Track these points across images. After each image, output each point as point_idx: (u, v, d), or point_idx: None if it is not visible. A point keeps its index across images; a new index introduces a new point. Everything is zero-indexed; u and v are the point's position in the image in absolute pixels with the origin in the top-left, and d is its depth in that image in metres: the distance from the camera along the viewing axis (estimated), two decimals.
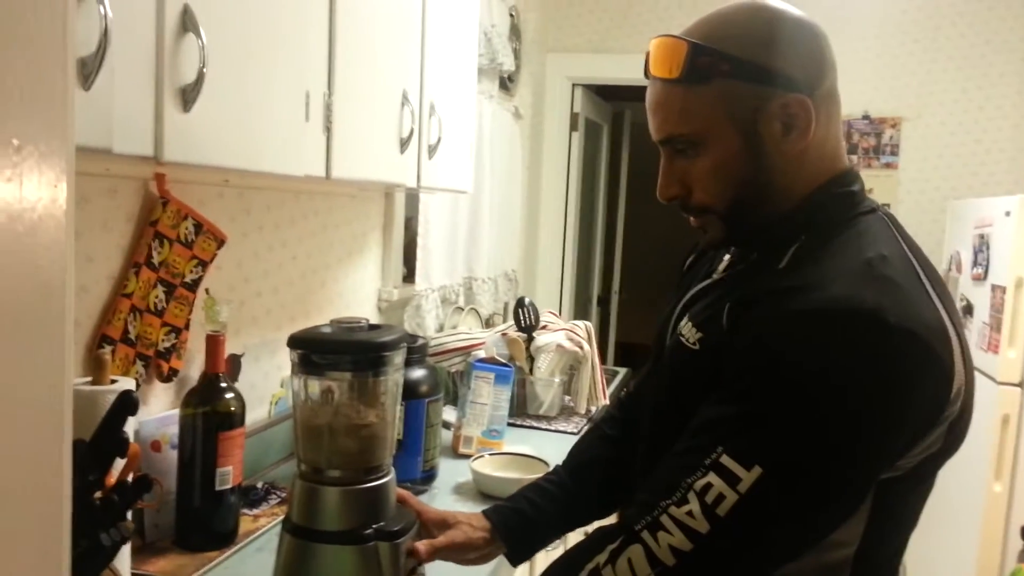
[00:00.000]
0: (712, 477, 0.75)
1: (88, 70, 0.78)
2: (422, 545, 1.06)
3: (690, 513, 0.75)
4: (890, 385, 0.73)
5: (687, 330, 0.90)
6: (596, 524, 1.21)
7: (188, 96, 0.95)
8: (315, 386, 1.08)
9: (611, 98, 4.37)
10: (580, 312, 4.16)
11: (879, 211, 0.88)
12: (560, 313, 3.66)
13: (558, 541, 1.21)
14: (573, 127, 3.80)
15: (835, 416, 0.74)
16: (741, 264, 0.93)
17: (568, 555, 0.86)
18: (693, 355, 0.87)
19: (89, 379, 1.13)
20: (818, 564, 0.82)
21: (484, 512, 1.14)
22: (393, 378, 1.11)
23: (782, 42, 0.84)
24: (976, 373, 2.49)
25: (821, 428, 0.74)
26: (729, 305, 0.84)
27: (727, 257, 0.97)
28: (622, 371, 3.03)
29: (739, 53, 0.83)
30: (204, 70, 0.96)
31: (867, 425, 0.74)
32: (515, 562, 1.17)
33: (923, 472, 0.82)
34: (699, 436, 0.79)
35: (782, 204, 0.87)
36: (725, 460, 0.75)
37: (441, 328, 2.51)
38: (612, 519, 0.93)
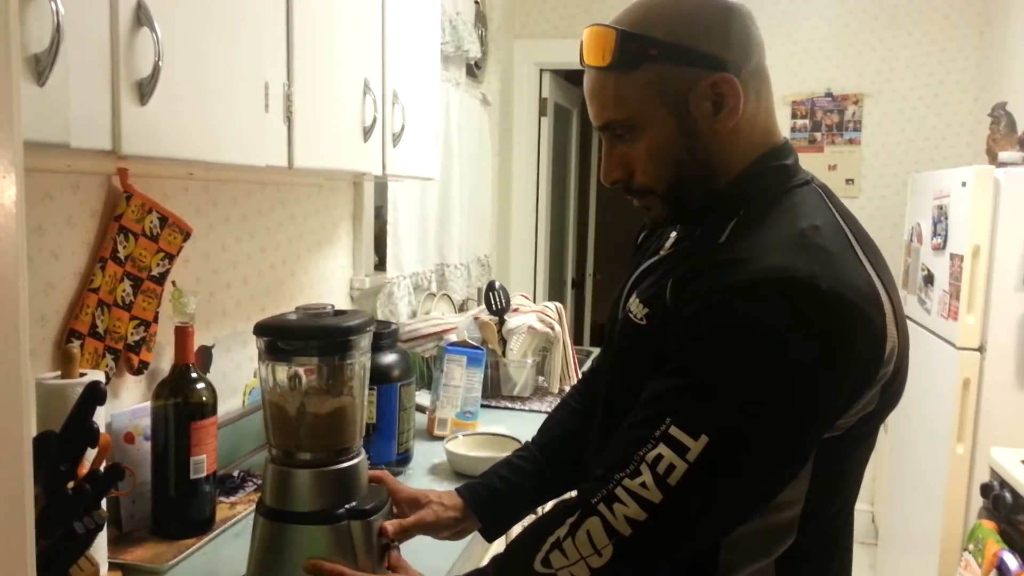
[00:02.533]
0: (662, 448, 0.78)
1: (42, 66, 0.79)
2: (390, 525, 1.09)
3: (643, 484, 0.78)
4: (825, 349, 0.77)
5: (635, 306, 0.93)
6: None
7: (144, 89, 0.96)
8: (282, 372, 1.10)
9: (579, 82, 4.38)
10: (555, 295, 4.20)
11: (813, 183, 0.92)
12: (535, 296, 3.69)
13: (532, 515, 1.25)
14: (542, 112, 3.82)
15: (774, 381, 0.77)
16: (686, 240, 0.97)
17: (530, 530, 0.89)
18: (640, 331, 0.90)
19: (58, 373, 1.14)
20: (765, 526, 0.85)
21: (457, 490, 1.17)
22: (360, 361, 1.13)
23: (708, 24, 0.87)
24: (937, 339, 2.54)
25: (761, 394, 0.77)
26: (672, 280, 0.87)
27: (674, 234, 1.01)
28: (597, 351, 3.07)
29: (666, 37, 0.86)
30: (159, 63, 0.97)
31: (805, 388, 0.77)
32: (490, 538, 1.20)
33: (861, 431, 0.86)
34: (648, 409, 0.82)
35: (720, 180, 0.90)
36: (674, 431, 0.78)
37: (414, 314, 2.54)
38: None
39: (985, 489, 2.06)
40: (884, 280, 0.84)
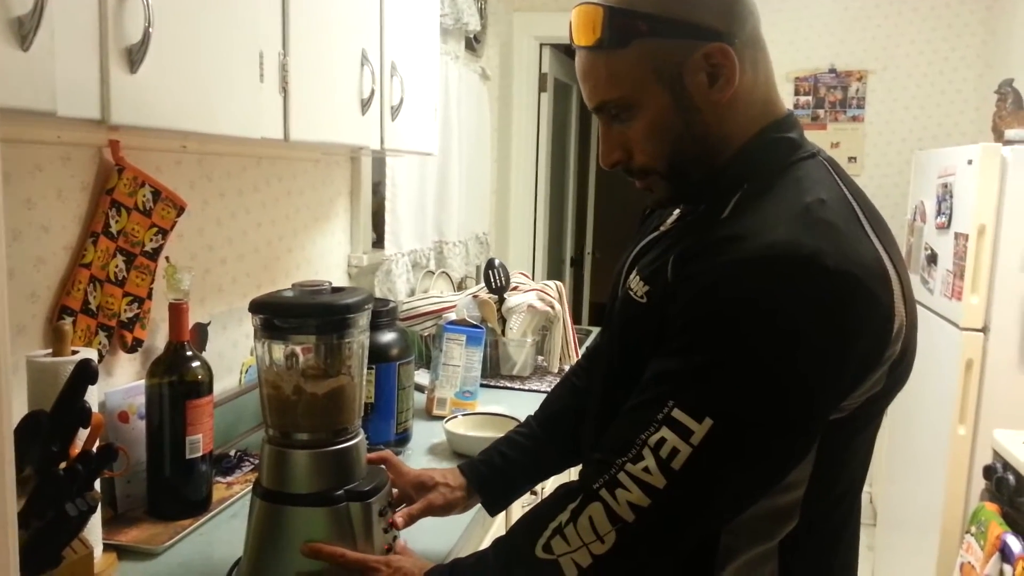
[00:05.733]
0: (665, 432, 0.76)
1: (25, 30, 0.76)
2: (400, 517, 1.09)
3: (646, 469, 0.76)
4: (831, 328, 0.74)
5: (635, 284, 0.90)
6: (571, 473, 1.23)
7: (134, 56, 0.93)
8: (279, 351, 1.07)
9: None
10: (554, 273, 4.17)
11: (819, 156, 0.89)
12: (533, 274, 3.66)
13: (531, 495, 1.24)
14: (542, 88, 3.77)
15: (778, 362, 0.74)
16: (689, 215, 0.94)
17: (532, 514, 0.87)
18: (641, 308, 0.88)
19: (50, 351, 1.11)
20: (767, 509, 0.83)
21: (459, 467, 1.19)
22: (358, 340, 1.10)
23: None
24: (940, 320, 2.51)
25: (766, 375, 0.74)
26: (673, 257, 0.84)
27: (677, 211, 0.98)
28: (596, 330, 3.05)
29: (654, 10, 0.83)
30: (150, 29, 0.93)
31: (810, 368, 0.75)
32: (492, 512, 1.21)
33: (867, 413, 0.84)
34: (649, 391, 0.80)
35: (720, 155, 0.87)
36: (676, 414, 0.76)
37: (412, 292, 2.51)
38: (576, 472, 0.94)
39: (988, 471, 2.05)
40: (892, 256, 0.81)
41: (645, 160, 0.88)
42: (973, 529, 1.98)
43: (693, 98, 0.84)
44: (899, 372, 0.83)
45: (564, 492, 0.84)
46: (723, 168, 0.87)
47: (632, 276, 0.93)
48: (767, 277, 0.75)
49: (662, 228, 0.97)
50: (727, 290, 0.76)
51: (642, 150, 0.88)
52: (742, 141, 0.87)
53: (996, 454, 2.07)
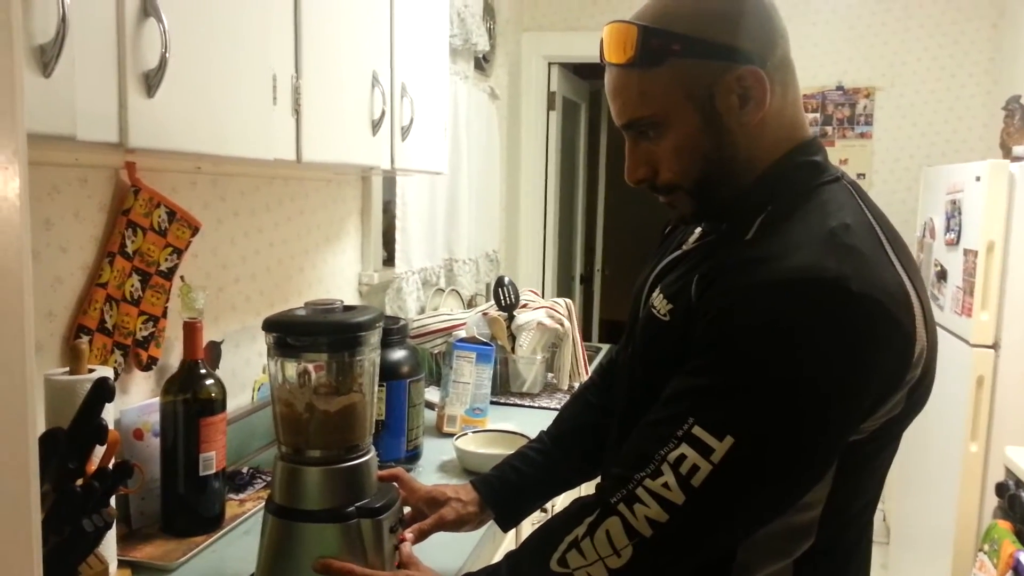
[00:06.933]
0: (685, 448, 0.76)
1: (47, 57, 0.78)
2: (411, 532, 1.10)
3: (665, 485, 0.77)
4: (853, 351, 0.75)
5: (658, 302, 0.91)
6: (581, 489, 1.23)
7: (151, 81, 0.95)
8: (292, 368, 1.08)
9: (588, 76, 4.37)
10: (563, 290, 4.19)
11: (843, 180, 0.90)
12: (543, 292, 3.68)
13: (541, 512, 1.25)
14: (550, 106, 3.80)
15: (801, 384, 0.75)
16: (711, 235, 0.95)
17: (547, 527, 0.88)
18: (664, 326, 0.89)
19: (67, 369, 1.13)
20: (785, 527, 0.84)
21: (472, 482, 1.19)
22: (370, 358, 1.11)
23: (731, 16, 0.85)
24: (951, 336, 2.51)
25: (788, 396, 0.75)
26: (697, 277, 0.85)
27: (699, 229, 0.99)
28: (606, 347, 3.05)
29: (689, 31, 0.84)
30: (166, 55, 0.95)
31: (832, 391, 0.75)
32: (505, 527, 1.21)
33: (886, 435, 0.84)
34: (670, 407, 0.80)
35: (747, 176, 0.88)
36: (697, 431, 0.76)
37: (422, 310, 2.52)
38: (592, 487, 0.95)
39: (1000, 488, 2.04)
40: (914, 281, 0.82)
41: (671, 177, 0.89)
42: (986, 547, 1.96)
43: (723, 119, 0.85)
44: (918, 396, 0.83)
45: (579, 506, 0.85)
46: (749, 189, 0.88)
47: (655, 294, 0.93)
48: (791, 300, 0.75)
49: (685, 247, 0.98)
50: (751, 312, 0.77)
51: (669, 167, 0.89)
52: (768, 163, 0.88)
53: (1008, 471, 2.06)
